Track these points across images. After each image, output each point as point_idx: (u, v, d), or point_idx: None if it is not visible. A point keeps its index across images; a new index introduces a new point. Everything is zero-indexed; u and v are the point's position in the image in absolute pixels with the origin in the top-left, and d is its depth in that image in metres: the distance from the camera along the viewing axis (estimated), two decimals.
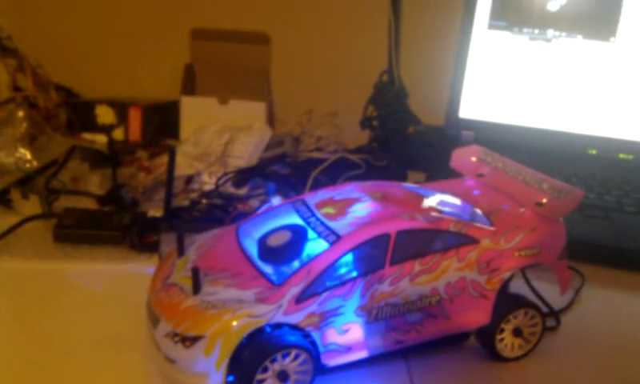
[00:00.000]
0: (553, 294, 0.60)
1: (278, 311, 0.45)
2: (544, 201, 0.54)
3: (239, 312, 0.44)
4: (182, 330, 0.44)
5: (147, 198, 0.81)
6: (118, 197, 0.77)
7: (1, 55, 0.96)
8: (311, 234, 0.49)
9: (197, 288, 0.46)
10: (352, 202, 0.53)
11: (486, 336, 0.53)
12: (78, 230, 0.69)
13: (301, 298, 0.45)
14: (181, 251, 0.52)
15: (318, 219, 0.51)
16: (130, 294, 0.58)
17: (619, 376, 0.55)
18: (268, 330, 0.46)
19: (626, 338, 0.60)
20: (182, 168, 0.87)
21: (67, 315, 0.57)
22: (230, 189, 0.83)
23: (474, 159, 0.62)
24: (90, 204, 0.78)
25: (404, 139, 0.99)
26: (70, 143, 0.88)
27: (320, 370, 0.48)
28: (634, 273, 0.72)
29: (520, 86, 0.96)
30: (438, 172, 0.78)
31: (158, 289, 0.49)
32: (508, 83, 0.96)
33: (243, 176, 0.85)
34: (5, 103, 0.89)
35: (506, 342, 0.54)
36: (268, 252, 0.49)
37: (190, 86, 1.06)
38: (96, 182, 0.82)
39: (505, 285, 0.53)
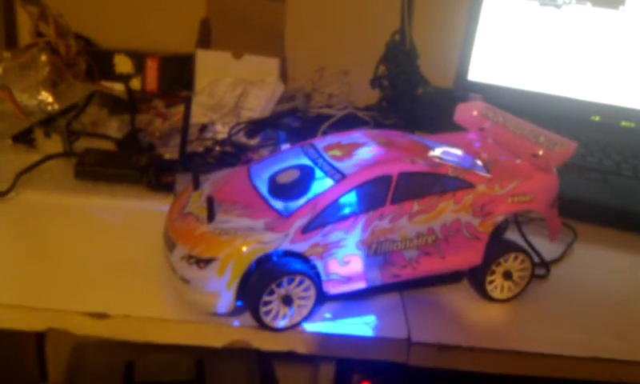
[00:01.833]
0: (546, 247, 0.64)
1: (285, 239, 0.49)
2: (540, 152, 0.57)
3: (249, 238, 0.48)
4: (197, 252, 0.48)
5: (163, 143, 0.84)
6: (136, 140, 0.81)
7: (24, 3, 0.98)
8: (318, 173, 0.53)
9: (211, 216, 0.50)
10: (358, 145, 0.56)
11: (478, 277, 0.57)
12: (98, 168, 0.72)
13: (306, 229, 0.49)
14: (196, 185, 0.56)
15: (325, 160, 0.54)
16: (146, 228, 0.63)
17: (601, 323, 0.58)
18: (275, 258, 0.49)
19: (611, 291, 0.64)
20: (197, 117, 0.90)
21: (87, 243, 0.61)
22: (242, 139, 0.86)
23: (475, 113, 0.65)
24: (108, 146, 0.81)
25: (413, 99, 1.01)
26: (89, 89, 0.91)
27: (322, 297, 0.52)
28: (626, 232, 0.76)
29: (529, 51, 0.98)
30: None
31: (174, 218, 0.53)
32: (517, 48, 0.98)
33: (255, 127, 0.88)
34: (28, 47, 0.92)
35: (496, 284, 0.57)
36: (277, 188, 0.52)
37: (205, 39, 1.09)
38: (114, 127, 0.86)
39: (498, 229, 0.56)
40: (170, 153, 0.79)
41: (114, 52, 1.01)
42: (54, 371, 1.09)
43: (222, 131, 0.87)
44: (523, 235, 0.62)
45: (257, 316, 0.50)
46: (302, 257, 0.50)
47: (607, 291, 0.64)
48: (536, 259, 0.60)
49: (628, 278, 0.67)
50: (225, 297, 0.49)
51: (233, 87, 0.98)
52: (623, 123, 0.95)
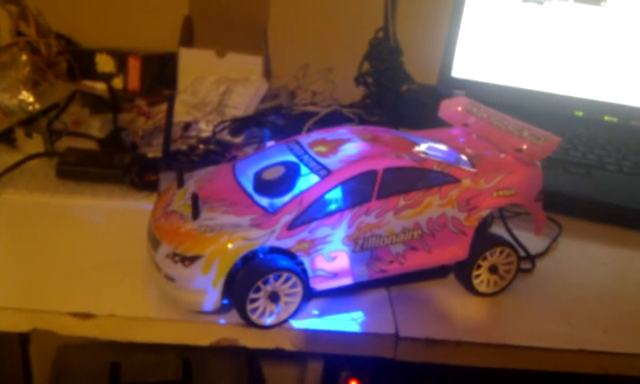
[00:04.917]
0: (531, 241, 0.64)
1: (271, 236, 0.48)
2: (524, 147, 0.57)
3: (235, 235, 0.48)
4: (181, 250, 0.48)
5: (146, 142, 0.83)
6: (118, 140, 0.80)
7: (3, 2, 0.97)
8: (304, 169, 0.53)
9: (196, 213, 0.49)
10: (343, 141, 0.56)
11: (464, 271, 0.57)
12: (80, 168, 0.71)
13: (292, 226, 0.49)
14: (180, 183, 0.55)
15: (310, 156, 0.54)
16: (130, 227, 0.62)
17: (587, 316, 0.59)
18: (261, 255, 0.49)
19: (596, 284, 0.64)
20: (180, 116, 0.89)
21: (71, 243, 0.61)
22: (226, 137, 0.86)
23: (460, 109, 0.65)
24: (90, 146, 0.80)
25: (397, 96, 1.01)
26: (71, 88, 0.90)
27: (309, 293, 0.52)
28: (610, 225, 0.76)
29: (512, 47, 0.98)
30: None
31: (158, 216, 0.52)
32: (501, 44, 0.99)
33: (239, 125, 0.87)
34: (8, 47, 0.91)
35: (482, 278, 0.58)
36: (263, 185, 0.52)
37: (188, 37, 1.08)
38: (97, 126, 0.85)
39: (483, 224, 0.57)
40: (154, 151, 0.79)
41: (95, 51, 1.00)
42: (38, 373, 1.08)
43: (205, 129, 0.87)
44: (509, 229, 0.62)
45: (243, 313, 0.49)
46: (288, 253, 0.50)
47: (592, 284, 0.64)
48: (522, 253, 0.61)
49: (613, 271, 0.68)
50: (211, 294, 0.48)
51: (216, 85, 0.97)
52: (606, 118, 0.96)
